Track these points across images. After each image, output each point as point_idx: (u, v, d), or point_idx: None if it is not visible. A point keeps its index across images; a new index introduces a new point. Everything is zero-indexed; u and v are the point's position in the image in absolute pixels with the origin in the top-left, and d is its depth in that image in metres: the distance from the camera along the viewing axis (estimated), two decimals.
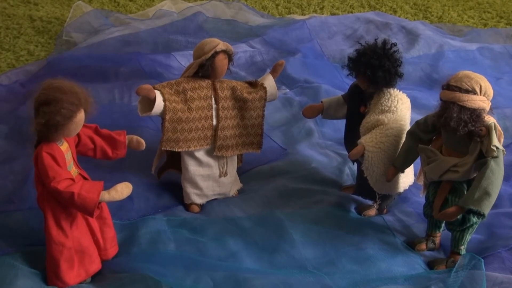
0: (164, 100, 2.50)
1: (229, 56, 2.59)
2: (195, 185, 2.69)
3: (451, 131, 2.19)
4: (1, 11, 5.00)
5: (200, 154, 2.66)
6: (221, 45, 2.54)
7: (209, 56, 2.51)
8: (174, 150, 2.59)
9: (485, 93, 2.18)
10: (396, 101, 2.50)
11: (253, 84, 2.73)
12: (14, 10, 5.04)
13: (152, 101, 2.48)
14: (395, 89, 2.53)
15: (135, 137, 2.39)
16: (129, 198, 2.22)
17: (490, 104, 2.20)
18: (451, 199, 2.32)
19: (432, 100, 3.08)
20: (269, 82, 2.72)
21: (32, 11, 5.03)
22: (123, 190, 2.13)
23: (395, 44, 2.50)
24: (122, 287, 2.19)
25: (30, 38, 4.53)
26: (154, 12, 4.89)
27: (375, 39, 2.51)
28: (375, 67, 2.43)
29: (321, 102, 2.77)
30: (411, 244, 2.51)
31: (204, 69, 2.55)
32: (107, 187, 2.10)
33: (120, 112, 3.30)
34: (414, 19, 5.20)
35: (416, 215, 2.68)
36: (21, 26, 4.70)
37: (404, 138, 2.47)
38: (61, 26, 4.70)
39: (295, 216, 2.62)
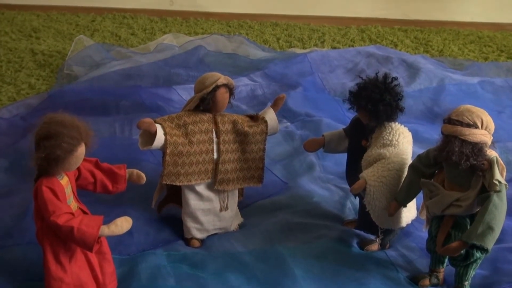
0: (165, 134, 2.49)
1: (230, 90, 2.59)
2: (196, 220, 2.67)
3: (453, 165, 2.18)
4: (3, 44, 5.03)
5: (201, 188, 2.64)
6: (222, 79, 2.54)
7: (210, 90, 2.51)
8: (174, 184, 2.58)
9: (486, 127, 2.17)
10: (397, 135, 2.49)
11: (254, 118, 2.73)
12: (16, 44, 5.07)
13: (153, 134, 2.47)
14: (397, 123, 2.53)
15: (135, 171, 2.38)
16: (129, 232, 2.19)
17: (492, 138, 2.20)
18: (454, 233, 2.30)
19: (434, 134, 3.06)
20: (270, 115, 2.72)
21: (33, 45, 5.06)
22: (123, 224, 2.11)
23: (396, 78, 2.50)
24: None
25: (31, 71, 4.54)
26: (156, 45, 4.92)
27: (376, 73, 2.51)
28: (376, 101, 2.43)
29: (323, 136, 2.77)
30: (415, 280, 2.47)
31: (205, 103, 2.55)
32: (107, 221, 2.08)
33: (121, 146, 3.29)
34: (415, 53, 5.22)
35: (419, 250, 2.64)
36: (23, 60, 4.73)
37: (406, 172, 2.45)
38: (62, 60, 4.73)
39: (296, 251, 2.59)
